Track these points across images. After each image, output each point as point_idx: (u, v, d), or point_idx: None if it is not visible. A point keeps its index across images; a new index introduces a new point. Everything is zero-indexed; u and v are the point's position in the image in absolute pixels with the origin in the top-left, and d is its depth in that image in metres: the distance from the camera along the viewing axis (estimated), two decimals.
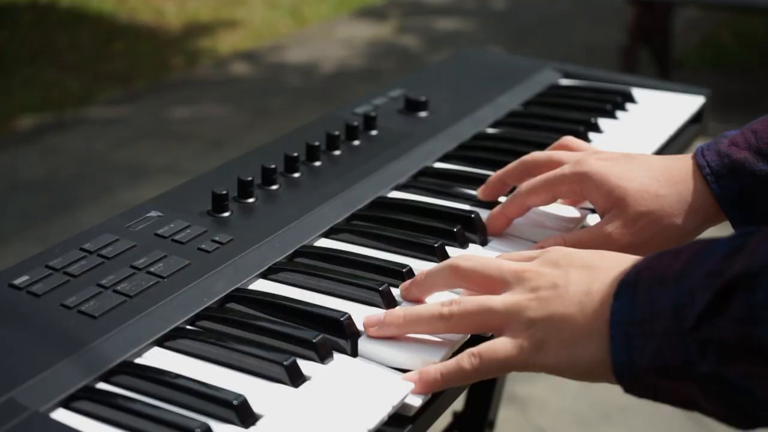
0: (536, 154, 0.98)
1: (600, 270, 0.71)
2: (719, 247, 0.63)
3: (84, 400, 0.69)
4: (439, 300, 0.78)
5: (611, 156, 0.92)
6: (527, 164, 0.98)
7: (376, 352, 0.76)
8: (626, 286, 0.67)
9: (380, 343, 0.76)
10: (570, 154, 0.96)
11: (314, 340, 0.74)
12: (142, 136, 4.25)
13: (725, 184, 0.88)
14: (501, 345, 0.71)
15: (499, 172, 1.00)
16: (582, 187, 0.91)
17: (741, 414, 0.62)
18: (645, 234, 0.88)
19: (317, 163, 1.05)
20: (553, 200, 0.95)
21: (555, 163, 0.96)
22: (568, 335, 0.69)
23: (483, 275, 0.77)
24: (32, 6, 6.14)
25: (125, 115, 4.52)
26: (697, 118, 1.31)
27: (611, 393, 2.44)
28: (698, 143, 1.35)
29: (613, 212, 0.89)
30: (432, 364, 0.74)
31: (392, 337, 0.77)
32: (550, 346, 0.70)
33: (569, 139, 1.02)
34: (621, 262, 0.71)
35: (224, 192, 0.93)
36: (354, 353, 0.76)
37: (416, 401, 0.71)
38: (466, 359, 0.72)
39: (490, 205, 1.00)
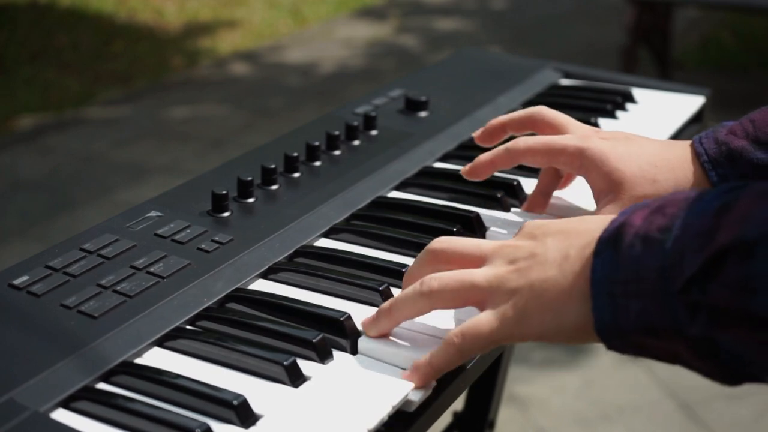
0: (544, 111, 0.97)
1: (577, 232, 0.70)
2: (707, 205, 0.62)
3: (84, 400, 0.69)
4: None
5: (613, 135, 0.92)
6: (534, 118, 0.97)
7: (375, 353, 0.76)
8: (606, 243, 0.65)
9: (379, 343, 0.76)
10: (577, 125, 0.96)
11: (314, 340, 0.74)
12: (142, 136, 4.25)
13: (722, 172, 0.88)
14: (484, 320, 0.71)
15: (502, 117, 1.00)
16: (581, 162, 0.90)
17: (729, 372, 0.61)
18: None
19: (317, 163, 1.05)
20: (546, 165, 0.94)
21: (560, 127, 0.96)
22: (550, 298, 0.68)
23: (462, 254, 0.76)
24: (32, 6, 6.14)
25: (125, 115, 4.52)
26: (697, 118, 1.31)
27: (611, 393, 2.45)
28: None
29: (609, 197, 0.89)
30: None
31: (387, 333, 0.77)
32: (534, 312, 0.69)
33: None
34: (598, 222, 0.70)
35: (224, 192, 0.93)
36: (354, 353, 0.76)
37: (416, 396, 0.71)
38: (451, 341, 0.71)
39: (490, 204, 1.00)
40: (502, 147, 0.95)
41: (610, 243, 0.65)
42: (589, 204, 0.97)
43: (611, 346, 0.66)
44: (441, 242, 0.78)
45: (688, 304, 0.60)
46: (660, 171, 0.88)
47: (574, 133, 0.94)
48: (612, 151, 0.89)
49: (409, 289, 0.75)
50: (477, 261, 0.75)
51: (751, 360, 0.60)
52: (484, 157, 0.96)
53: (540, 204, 1.00)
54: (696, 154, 0.90)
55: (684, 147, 0.91)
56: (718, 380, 0.63)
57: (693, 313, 0.60)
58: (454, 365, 0.73)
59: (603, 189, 0.90)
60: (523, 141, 0.93)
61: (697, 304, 0.60)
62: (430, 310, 0.76)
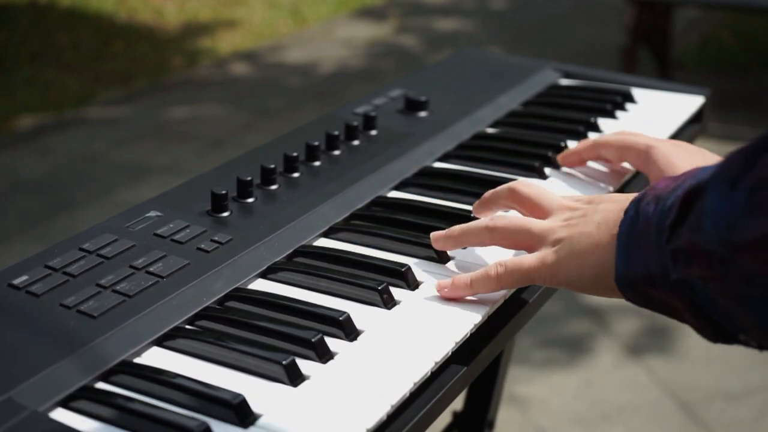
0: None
1: (627, 198, 0.77)
2: (706, 169, 0.67)
3: (83, 399, 0.69)
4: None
5: (679, 143, 1.02)
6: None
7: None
8: (634, 203, 0.73)
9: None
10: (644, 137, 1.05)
11: (313, 340, 0.74)
12: (142, 136, 4.26)
13: None
14: (527, 258, 0.81)
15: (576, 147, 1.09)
16: (647, 157, 0.99)
17: (712, 324, 0.66)
18: None
19: (317, 163, 1.05)
20: (618, 160, 1.05)
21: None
22: (581, 248, 0.77)
23: (535, 202, 0.87)
24: (32, 6, 6.14)
25: (125, 115, 4.52)
26: (696, 118, 1.31)
27: (611, 393, 2.45)
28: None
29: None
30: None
31: (447, 250, 0.88)
32: (565, 259, 0.78)
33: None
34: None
35: (224, 192, 0.93)
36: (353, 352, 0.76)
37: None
38: (493, 267, 0.82)
39: None
40: (584, 142, 1.08)
41: (636, 202, 0.73)
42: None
43: (627, 297, 0.73)
44: (523, 185, 0.88)
45: (672, 252, 0.66)
46: None
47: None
48: (677, 153, 0.98)
49: (476, 223, 0.86)
50: (544, 213, 0.85)
51: (719, 302, 0.64)
52: (571, 150, 1.09)
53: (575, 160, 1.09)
54: None
55: None
56: (709, 336, 0.68)
57: (675, 260, 0.66)
58: (489, 290, 0.82)
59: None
60: (602, 137, 1.06)
61: (677, 251, 0.66)
62: (490, 244, 0.86)
